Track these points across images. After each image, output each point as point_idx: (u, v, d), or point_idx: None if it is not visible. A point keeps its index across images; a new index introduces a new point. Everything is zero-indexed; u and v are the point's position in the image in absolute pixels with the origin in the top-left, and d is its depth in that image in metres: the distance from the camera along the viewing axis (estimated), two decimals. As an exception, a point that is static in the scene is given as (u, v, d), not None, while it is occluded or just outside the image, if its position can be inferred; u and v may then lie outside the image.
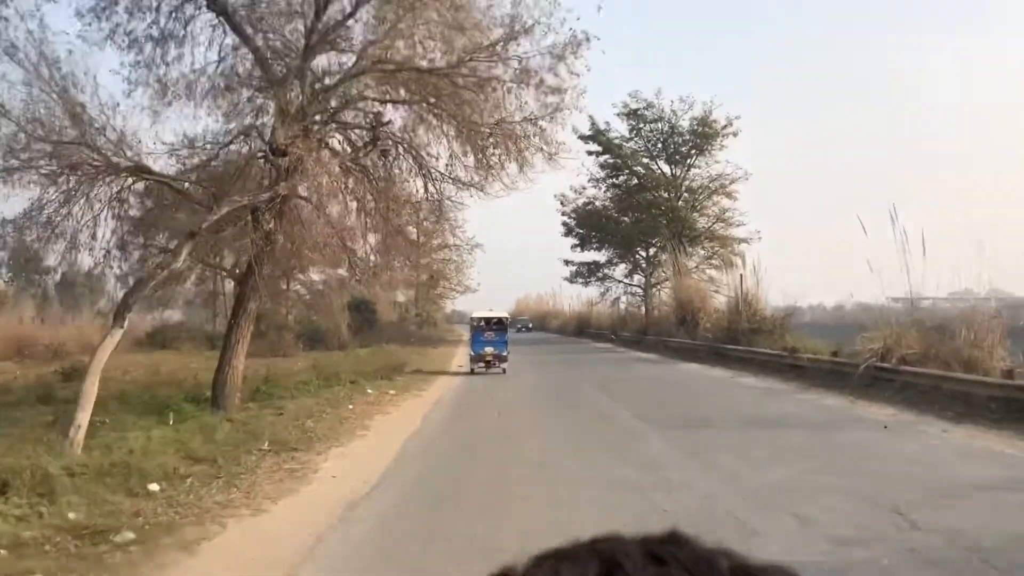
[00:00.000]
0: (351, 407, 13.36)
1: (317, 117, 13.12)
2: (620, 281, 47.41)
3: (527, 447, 9.88)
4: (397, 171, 15.00)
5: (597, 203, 44.07)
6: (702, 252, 41.21)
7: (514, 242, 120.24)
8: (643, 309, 43.91)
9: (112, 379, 12.76)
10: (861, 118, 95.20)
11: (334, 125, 13.99)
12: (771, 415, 12.42)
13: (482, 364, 20.58)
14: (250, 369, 19.32)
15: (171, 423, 10.24)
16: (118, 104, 11.75)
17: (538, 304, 77.63)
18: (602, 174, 41.97)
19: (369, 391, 16.18)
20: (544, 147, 14.78)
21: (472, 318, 22.22)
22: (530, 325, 62.01)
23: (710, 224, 39.69)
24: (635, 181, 41.09)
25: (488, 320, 21.44)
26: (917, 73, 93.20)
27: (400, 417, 12.67)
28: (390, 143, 14.33)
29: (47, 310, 35.63)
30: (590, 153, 40.33)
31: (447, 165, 15.07)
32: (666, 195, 39.86)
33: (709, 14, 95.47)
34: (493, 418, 12.52)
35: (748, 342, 22.32)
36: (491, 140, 14.68)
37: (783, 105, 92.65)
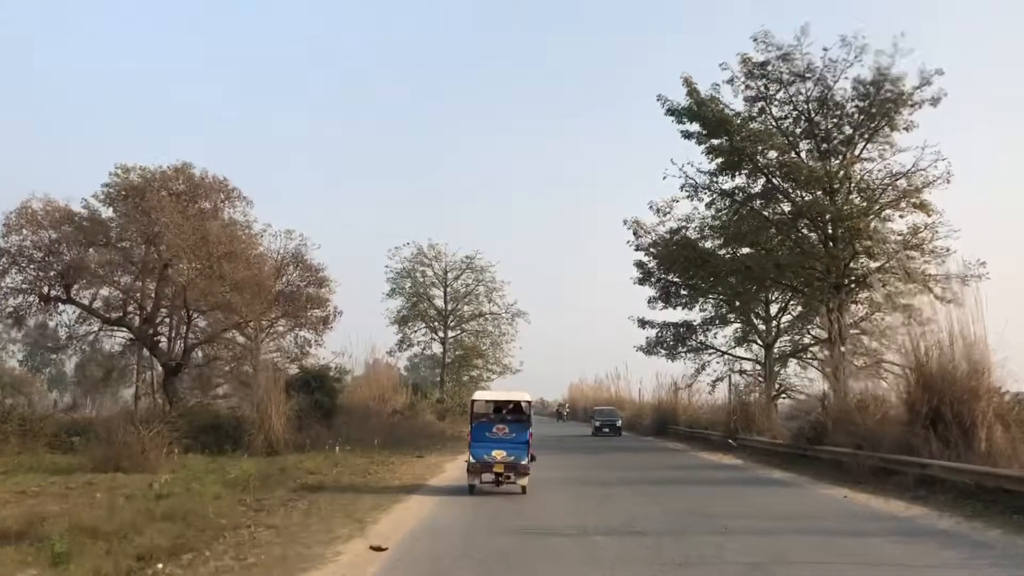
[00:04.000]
0: None
1: None
2: (724, 352, 30.86)
3: None
4: None
5: (690, 229, 27.79)
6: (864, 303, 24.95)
7: (569, 314, 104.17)
8: (761, 396, 27.27)
9: None
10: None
11: None
12: None
13: (489, 477, 12.54)
14: None
15: None
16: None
17: (596, 391, 60.70)
18: (706, 171, 25.58)
19: None
20: None
21: (473, 402, 14.43)
22: (618, 423, 37.67)
23: (897, 251, 23.20)
24: (762, 183, 24.82)
25: (498, 406, 14.25)
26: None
27: None
28: None
29: None
30: (687, 136, 24.62)
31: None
32: (822, 197, 23.48)
33: None
34: None
35: None
36: None
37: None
